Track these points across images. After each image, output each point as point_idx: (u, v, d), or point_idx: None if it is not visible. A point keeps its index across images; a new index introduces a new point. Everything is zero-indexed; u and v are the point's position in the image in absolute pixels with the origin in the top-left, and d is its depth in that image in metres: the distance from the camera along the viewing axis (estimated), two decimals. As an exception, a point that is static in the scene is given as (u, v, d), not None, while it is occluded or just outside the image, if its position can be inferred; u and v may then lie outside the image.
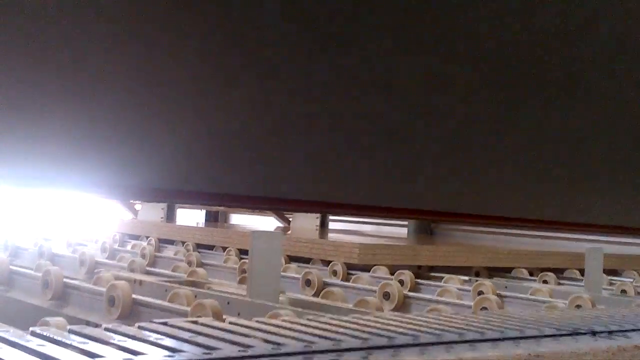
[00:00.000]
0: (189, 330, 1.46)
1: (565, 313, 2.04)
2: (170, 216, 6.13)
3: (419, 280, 3.55)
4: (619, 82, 0.94)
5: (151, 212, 6.16)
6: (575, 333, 1.69)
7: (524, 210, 1.13)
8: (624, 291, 3.79)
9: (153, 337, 1.37)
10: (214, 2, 0.64)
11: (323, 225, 6.32)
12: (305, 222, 6.27)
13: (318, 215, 6.19)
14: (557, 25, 0.84)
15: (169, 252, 4.70)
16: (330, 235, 5.52)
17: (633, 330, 1.80)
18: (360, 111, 0.80)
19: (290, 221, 6.91)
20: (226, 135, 0.74)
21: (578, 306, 2.73)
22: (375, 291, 3.01)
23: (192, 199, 0.86)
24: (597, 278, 3.35)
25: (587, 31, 0.86)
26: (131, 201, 6.33)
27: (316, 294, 3.01)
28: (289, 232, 5.94)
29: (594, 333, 1.71)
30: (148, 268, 3.53)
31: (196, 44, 0.65)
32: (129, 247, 4.79)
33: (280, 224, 7.20)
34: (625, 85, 0.95)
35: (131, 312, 2.28)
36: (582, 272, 3.86)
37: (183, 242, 4.98)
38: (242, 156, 0.75)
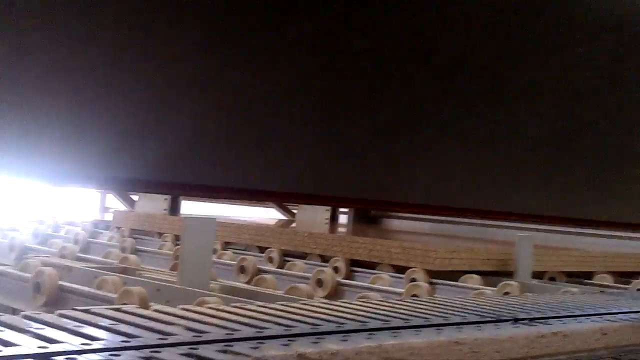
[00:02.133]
0: (110, 318, 1.44)
1: (491, 300, 2.08)
2: (174, 208, 5.62)
3: (354, 268, 3.57)
4: (545, 74, 0.95)
5: (151, 204, 5.61)
6: (497, 320, 1.73)
7: (463, 200, 1.14)
8: (552, 278, 3.88)
9: (72, 325, 1.34)
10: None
11: (334, 218, 5.62)
12: (313, 215, 5.61)
13: (328, 207, 5.46)
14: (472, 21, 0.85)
15: (103, 237, 4.63)
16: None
17: (554, 317, 1.84)
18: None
19: (294, 213, 6.23)
20: (209, 126, 0.73)
21: (506, 293, 2.78)
22: (309, 278, 3.02)
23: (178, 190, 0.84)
24: (527, 265, 3.41)
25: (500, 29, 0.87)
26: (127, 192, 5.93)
27: (250, 281, 3.00)
28: (294, 224, 5.63)
29: (515, 320, 1.74)
30: (80, 254, 3.47)
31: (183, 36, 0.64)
32: (62, 233, 4.70)
33: (283, 217, 6.41)
34: (551, 78, 0.96)
35: (58, 299, 2.24)
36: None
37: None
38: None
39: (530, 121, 0.90)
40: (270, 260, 3.88)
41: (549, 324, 1.72)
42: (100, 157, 0.68)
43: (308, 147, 0.87)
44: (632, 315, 1.98)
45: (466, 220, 5.82)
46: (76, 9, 0.59)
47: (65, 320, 1.38)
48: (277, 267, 3.68)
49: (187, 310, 1.57)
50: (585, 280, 3.85)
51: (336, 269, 3.49)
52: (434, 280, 3.15)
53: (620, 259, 4.26)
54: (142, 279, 2.42)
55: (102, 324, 1.38)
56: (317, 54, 0.78)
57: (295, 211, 6.26)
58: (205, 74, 0.72)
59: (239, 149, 0.81)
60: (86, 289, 2.20)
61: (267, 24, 0.72)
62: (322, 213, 5.57)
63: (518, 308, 1.92)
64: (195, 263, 2.33)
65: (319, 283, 2.96)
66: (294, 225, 5.64)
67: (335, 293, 2.92)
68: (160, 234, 4.64)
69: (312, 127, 0.85)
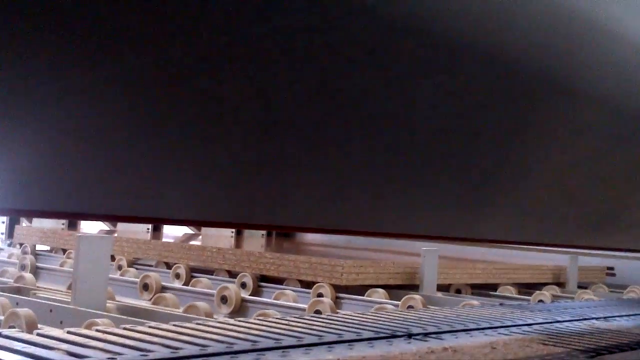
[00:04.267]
0: (-12, 344, 1.38)
1: (389, 315, 2.09)
2: (72, 223, 5.42)
3: (262, 284, 3.54)
4: (415, 98, 0.96)
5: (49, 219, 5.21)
6: (392, 336, 1.73)
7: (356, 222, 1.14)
8: (458, 291, 3.95)
9: (-56, 352, 1.28)
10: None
11: (239, 232, 5.65)
12: (219, 229, 5.60)
13: (234, 221, 5.49)
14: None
15: (4, 255, 4.46)
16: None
17: (449, 331, 1.86)
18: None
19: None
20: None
21: (410, 306, 2.81)
22: (213, 295, 2.98)
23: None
24: (432, 278, 3.46)
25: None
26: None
27: (153, 298, 2.94)
28: (200, 237, 5.55)
29: (409, 335, 1.75)
30: (-25, 273, 3.33)
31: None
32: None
33: (190, 230, 6.28)
34: (422, 102, 0.96)
35: (-58, 323, 2.13)
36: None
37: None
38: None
39: (401, 144, 0.90)
40: (178, 276, 3.82)
41: (442, 339, 1.74)
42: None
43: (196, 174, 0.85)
44: (525, 328, 2.02)
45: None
46: None
47: (-64, 347, 1.31)
48: (184, 284, 3.63)
49: (73, 333, 1.51)
50: (490, 292, 3.94)
51: (244, 285, 3.46)
52: (340, 295, 3.16)
53: (524, 271, 4.38)
54: (36, 300, 2.34)
55: (-23, 350, 1.32)
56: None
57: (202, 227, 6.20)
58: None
59: (131, 178, 0.79)
60: (-28, 311, 2.10)
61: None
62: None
63: (414, 323, 1.94)
64: (91, 283, 2.26)
65: (224, 299, 2.92)
66: (200, 238, 5.58)
67: (240, 309, 2.89)
68: (64, 251, 4.51)
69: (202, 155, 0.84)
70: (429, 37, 0.74)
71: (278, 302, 2.87)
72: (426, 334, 1.79)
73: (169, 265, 4.04)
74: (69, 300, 2.36)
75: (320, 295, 3.13)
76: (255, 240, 5.63)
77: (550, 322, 2.20)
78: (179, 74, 0.75)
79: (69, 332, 1.52)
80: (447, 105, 0.90)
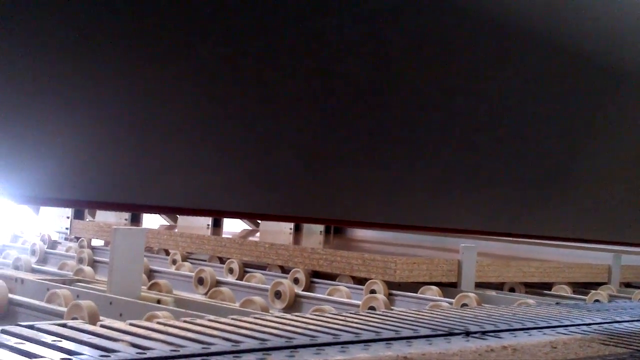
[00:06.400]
0: (54, 334, 1.41)
1: (445, 312, 2.07)
2: (135, 217, 5.57)
3: (314, 279, 3.55)
4: (476, 94, 0.95)
5: (112, 213, 5.37)
6: (449, 333, 1.72)
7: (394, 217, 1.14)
8: (512, 289, 3.91)
9: (13, 341, 1.31)
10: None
11: (298, 228, 5.66)
12: (277, 225, 5.61)
13: (294, 216, 5.46)
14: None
15: (62, 248, 4.56)
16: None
17: (506, 330, 1.84)
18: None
19: (259, 223, 6.21)
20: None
21: (464, 305, 2.79)
22: (267, 290, 3.00)
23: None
24: (470, 275, 3.44)
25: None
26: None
27: (208, 292, 2.98)
28: (257, 234, 5.60)
29: (467, 333, 1.74)
30: (35, 266, 3.41)
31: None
32: (19, 243, 4.62)
33: (248, 226, 6.40)
34: (481, 97, 0.96)
35: (7, 313, 2.19)
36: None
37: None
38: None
39: (466, 140, 0.90)
40: (231, 271, 3.86)
41: (500, 337, 1.72)
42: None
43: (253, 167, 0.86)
44: (584, 328, 1.99)
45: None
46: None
47: (5, 337, 1.35)
48: (238, 279, 3.66)
49: (135, 325, 1.54)
50: (545, 292, 3.88)
51: (296, 280, 3.48)
52: (393, 292, 3.16)
53: (579, 270, 4.30)
54: (95, 292, 2.39)
55: (45, 340, 1.35)
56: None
57: (259, 220, 6.23)
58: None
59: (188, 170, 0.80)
60: (36, 302, 2.16)
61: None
62: (286, 223, 5.54)
63: (471, 321, 1.92)
64: (126, 273, 2.32)
65: (278, 295, 2.94)
66: (258, 234, 5.62)
67: (293, 305, 2.91)
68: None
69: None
70: (501, 29, 0.74)
71: (332, 297, 2.88)
72: (484, 332, 1.78)
73: (222, 260, 4.09)
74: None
75: (372, 291, 3.13)
76: (314, 237, 5.63)
77: (610, 322, 2.16)
78: (247, 70, 0.75)
79: (131, 324, 1.55)
80: (517, 101, 0.89)
